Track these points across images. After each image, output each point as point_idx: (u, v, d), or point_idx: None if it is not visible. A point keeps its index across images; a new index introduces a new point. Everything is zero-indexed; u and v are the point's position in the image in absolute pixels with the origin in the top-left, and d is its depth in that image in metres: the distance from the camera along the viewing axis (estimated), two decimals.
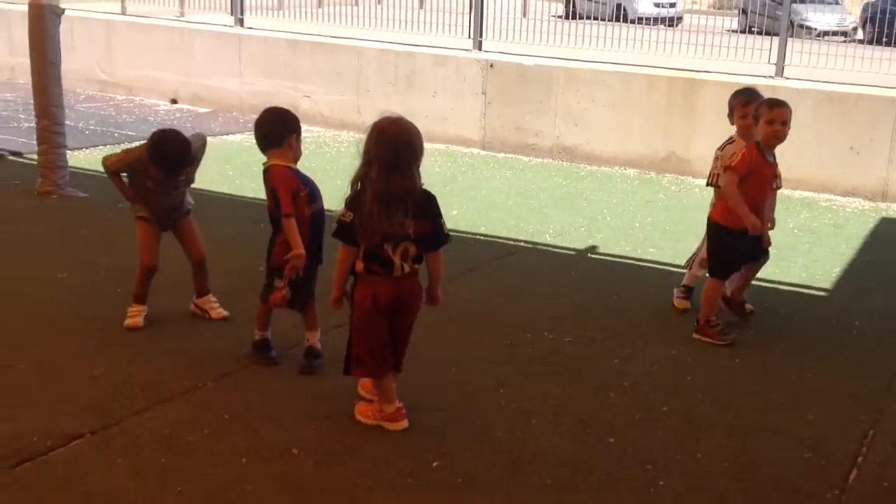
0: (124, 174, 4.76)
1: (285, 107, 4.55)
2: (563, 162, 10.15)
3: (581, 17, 12.14)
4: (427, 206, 3.72)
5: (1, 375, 4.17)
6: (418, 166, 3.68)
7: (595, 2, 13.87)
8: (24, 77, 13.25)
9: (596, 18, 11.78)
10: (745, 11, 14.59)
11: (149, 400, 4.00)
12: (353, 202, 3.68)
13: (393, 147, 3.60)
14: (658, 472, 3.63)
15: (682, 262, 6.04)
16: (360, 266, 3.74)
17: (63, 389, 4.08)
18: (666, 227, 7.59)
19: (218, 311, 4.87)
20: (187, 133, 4.78)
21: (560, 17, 14.02)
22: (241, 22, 12.38)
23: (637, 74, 9.94)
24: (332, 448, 3.68)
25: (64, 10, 7.30)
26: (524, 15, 13.09)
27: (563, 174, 9.59)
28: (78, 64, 12.20)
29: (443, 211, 3.79)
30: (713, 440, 3.92)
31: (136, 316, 4.80)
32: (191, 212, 4.94)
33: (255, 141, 4.36)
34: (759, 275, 5.42)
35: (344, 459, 3.60)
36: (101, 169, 4.83)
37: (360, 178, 3.66)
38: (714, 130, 9.46)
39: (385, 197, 3.59)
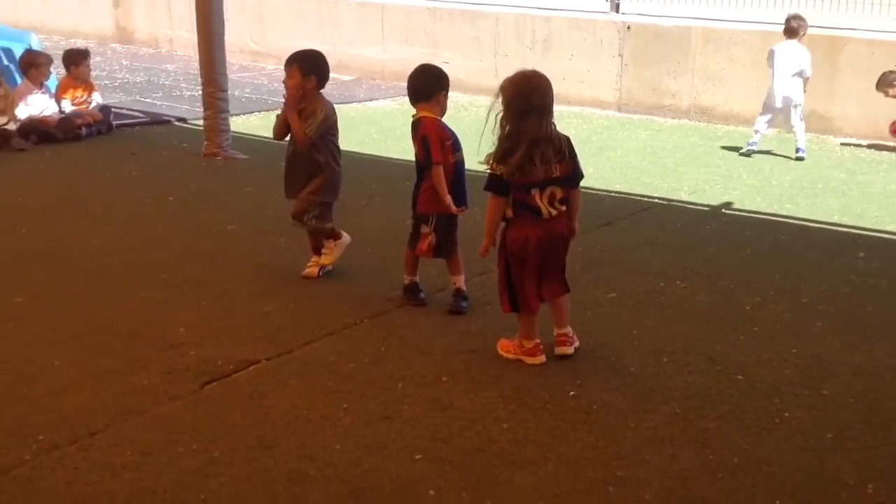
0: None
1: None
2: (699, 122, 10.21)
3: None
4: (568, 147, 4.03)
5: (186, 312, 4.72)
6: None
7: None
8: (183, 49, 14.19)
9: None
10: None
11: (314, 333, 4.46)
12: (502, 154, 3.98)
13: (540, 94, 3.93)
14: (784, 405, 3.85)
15: (820, 216, 6.15)
16: (509, 213, 4.08)
17: (240, 323, 4.59)
18: (804, 185, 7.63)
19: (308, 269, 5.21)
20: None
21: None
22: None
23: (776, 33, 9.83)
24: (478, 377, 4.06)
25: None
26: None
27: (699, 134, 9.67)
28: (231, 35, 12.89)
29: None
30: (839, 379, 4.10)
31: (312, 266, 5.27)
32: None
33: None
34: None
35: (488, 387, 3.97)
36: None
37: (507, 130, 3.97)
38: (856, 89, 9.40)
39: (538, 142, 3.91)
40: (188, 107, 10.04)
